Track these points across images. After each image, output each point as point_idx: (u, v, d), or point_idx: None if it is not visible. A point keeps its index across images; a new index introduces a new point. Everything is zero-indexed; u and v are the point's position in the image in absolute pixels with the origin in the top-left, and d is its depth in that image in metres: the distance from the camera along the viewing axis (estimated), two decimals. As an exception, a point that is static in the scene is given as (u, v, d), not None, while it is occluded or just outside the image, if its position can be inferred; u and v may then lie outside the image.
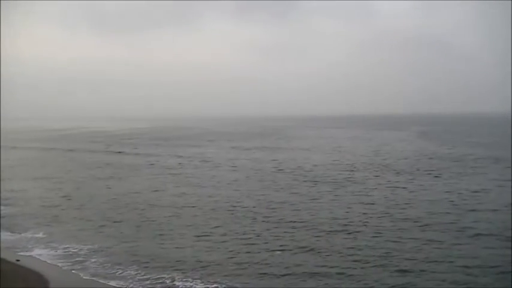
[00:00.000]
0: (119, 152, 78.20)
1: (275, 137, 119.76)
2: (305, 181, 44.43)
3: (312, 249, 23.97)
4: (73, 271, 22.41)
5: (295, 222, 29.08)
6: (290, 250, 23.90)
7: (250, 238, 26.18)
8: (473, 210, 31.14)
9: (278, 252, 23.84)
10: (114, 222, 30.83)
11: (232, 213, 32.05)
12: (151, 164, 61.22)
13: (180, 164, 61.23)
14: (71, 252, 24.88)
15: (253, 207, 33.65)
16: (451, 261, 21.76)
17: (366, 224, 28.34)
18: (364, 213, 30.81)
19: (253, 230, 27.66)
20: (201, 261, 22.71)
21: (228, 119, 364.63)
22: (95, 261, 23.36)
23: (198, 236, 26.87)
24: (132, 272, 21.82)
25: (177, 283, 20.54)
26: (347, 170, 51.05)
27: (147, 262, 22.95)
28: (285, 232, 27.00)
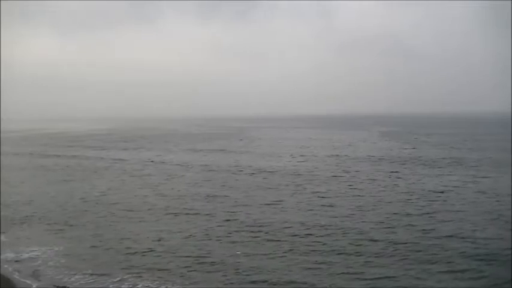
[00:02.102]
0: (74, 156, 75.33)
1: (238, 137, 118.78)
2: (263, 183, 43.62)
3: (272, 255, 23.03)
4: (15, 276, 21.50)
5: (253, 226, 28.18)
6: (248, 255, 22.98)
7: (209, 241, 25.38)
8: (435, 212, 30.84)
9: (238, 252, 23.46)
10: (72, 226, 29.82)
11: (190, 217, 31.06)
12: (108, 167, 59.39)
13: (138, 165, 59.68)
14: (30, 256, 23.97)
15: (213, 209, 32.78)
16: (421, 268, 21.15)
17: (327, 228, 27.55)
18: (325, 217, 30.09)
19: (214, 234, 26.74)
20: (159, 266, 22.04)
21: (194, 119, 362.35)
22: (51, 266, 22.59)
23: (158, 240, 26.09)
24: (79, 276, 21.06)
25: (123, 286, 19.92)
26: (307, 172, 50.40)
27: (106, 266, 22.24)
28: (245, 237, 26.12)
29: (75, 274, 21.43)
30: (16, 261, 23.46)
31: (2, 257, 23.85)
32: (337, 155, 67.44)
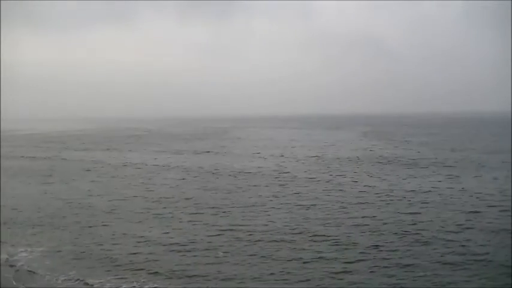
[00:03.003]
0: (47, 158, 73.71)
1: (221, 138, 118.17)
2: (244, 185, 42.96)
3: (251, 258, 22.57)
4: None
5: (233, 230, 27.54)
6: (228, 260, 22.48)
7: (190, 245, 24.85)
8: (416, 213, 30.53)
9: (221, 253, 23.34)
10: (54, 228, 29.45)
11: (170, 220, 30.52)
12: (89, 168, 58.27)
13: (119, 167, 58.80)
14: (15, 259, 23.74)
15: (194, 212, 32.23)
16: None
17: (308, 230, 27.05)
18: (306, 219, 29.61)
19: (195, 237, 26.20)
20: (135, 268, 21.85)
21: (172, 119, 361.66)
22: (35, 267, 22.46)
23: (140, 242, 25.83)
24: (65, 278, 21.04)
25: (106, 287, 20.04)
26: (288, 173, 49.87)
27: (89, 268, 22.17)
28: (226, 241, 25.51)
29: (59, 275, 21.29)
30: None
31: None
32: (319, 156, 67.16)
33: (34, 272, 21.92)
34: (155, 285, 19.95)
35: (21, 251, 24.81)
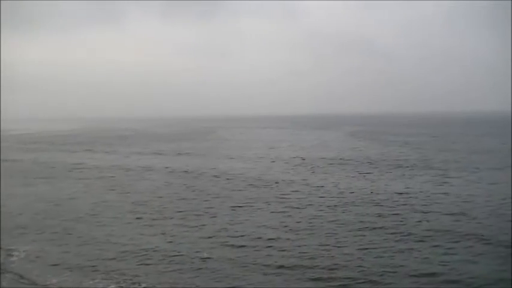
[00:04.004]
0: (31, 158, 72.61)
1: (206, 138, 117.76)
2: (227, 187, 42.48)
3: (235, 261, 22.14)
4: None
5: (216, 236, 26.95)
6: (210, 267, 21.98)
7: (175, 250, 24.38)
8: (401, 214, 30.15)
9: (205, 256, 23.16)
10: (38, 230, 29.06)
11: (154, 222, 30.23)
12: (72, 169, 57.54)
13: (103, 168, 58.07)
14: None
15: (181, 216, 31.60)
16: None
17: (293, 233, 26.75)
18: (291, 222, 29.28)
19: (183, 242, 25.79)
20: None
21: (169, 119, 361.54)
22: (23, 268, 22.47)
23: (125, 245, 25.53)
24: (56, 280, 21.01)
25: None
26: (273, 175, 49.43)
27: (78, 269, 22.17)
28: (211, 247, 25.00)
29: (50, 278, 21.19)
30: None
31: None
32: (306, 156, 66.77)
33: (22, 276, 21.59)
34: (143, 285, 19.87)
35: (8, 254, 24.44)
